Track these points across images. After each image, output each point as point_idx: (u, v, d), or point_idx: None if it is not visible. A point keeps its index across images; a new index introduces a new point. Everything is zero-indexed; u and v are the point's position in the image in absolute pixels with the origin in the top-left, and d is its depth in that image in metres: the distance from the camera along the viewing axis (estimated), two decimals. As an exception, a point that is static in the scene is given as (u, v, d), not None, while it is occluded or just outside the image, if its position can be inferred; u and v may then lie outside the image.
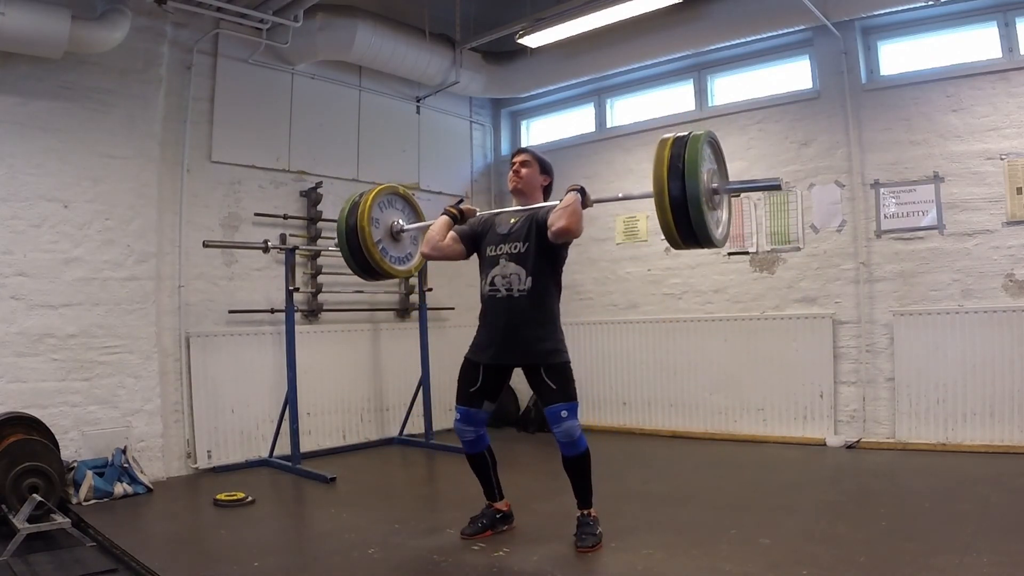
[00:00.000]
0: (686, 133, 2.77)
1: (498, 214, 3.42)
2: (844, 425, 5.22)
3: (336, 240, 3.69)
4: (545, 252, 3.18)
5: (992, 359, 4.67)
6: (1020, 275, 4.68)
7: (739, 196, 5.17)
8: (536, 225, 3.19)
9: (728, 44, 5.56)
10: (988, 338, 4.69)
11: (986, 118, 4.81)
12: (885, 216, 5.17)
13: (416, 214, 3.82)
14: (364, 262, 3.57)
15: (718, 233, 2.85)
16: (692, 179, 2.64)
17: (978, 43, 4.95)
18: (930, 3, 4.69)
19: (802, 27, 5.22)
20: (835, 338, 5.28)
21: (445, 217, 3.38)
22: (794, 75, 5.74)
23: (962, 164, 4.88)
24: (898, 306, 5.06)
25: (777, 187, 2.97)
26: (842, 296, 5.30)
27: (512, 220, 3.30)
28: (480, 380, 3.26)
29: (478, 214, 3.45)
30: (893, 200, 5.14)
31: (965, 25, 5.01)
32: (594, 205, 3.15)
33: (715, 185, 2.85)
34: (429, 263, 5.94)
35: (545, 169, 3.44)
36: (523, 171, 3.36)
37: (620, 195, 3.44)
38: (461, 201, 3.61)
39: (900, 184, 5.11)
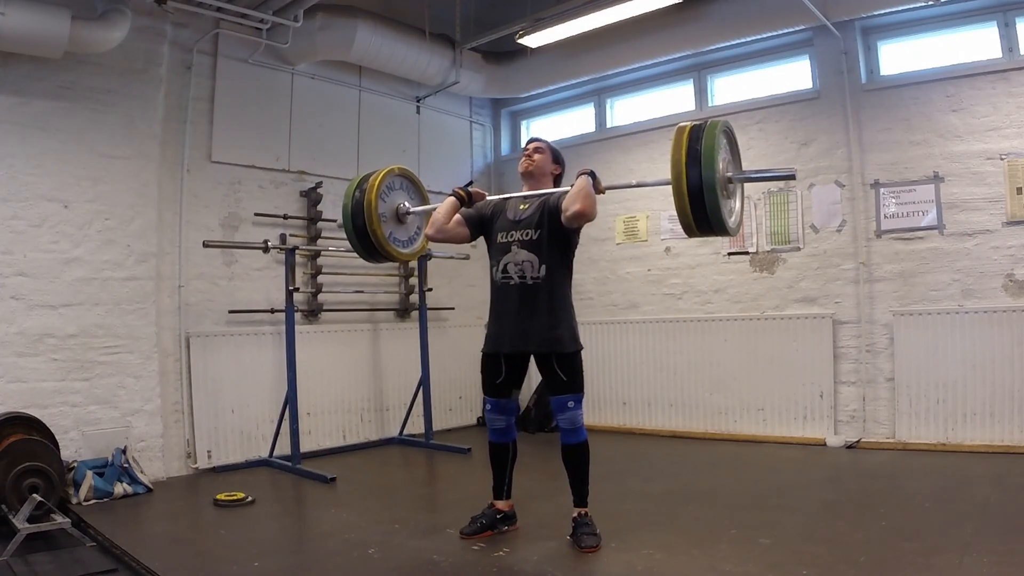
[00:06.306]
0: (703, 121, 2.79)
1: (507, 199, 3.41)
2: (844, 425, 5.22)
3: (341, 221, 3.56)
4: (558, 239, 3.18)
5: (992, 359, 4.67)
6: (1020, 275, 4.68)
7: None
8: (548, 211, 3.18)
9: (728, 44, 5.55)
10: (988, 338, 4.69)
11: (986, 118, 4.81)
12: (885, 216, 5.16)
13: (421, 196, 3.74)
14: (368, 243, 3.51)
15: (731, 221, 2.88)
16: (709, 166, 2.67)
17: (978, 43, 4.94)
18: (930, 3, 4.69)
19: (802, 27, 5.22)
20: (835, 338, 5.28)
21: (452, 199, 3.37)
22: (794, 75, 5.73)
23: (962, 164, 4.88)
24: (898, 306, 5.06)
25: (792, 177, 2.99)
26: (842, 296, 5.30)
27: (522, 206, 3.29)
28: (504, 371, 3.29)
29: (487, 198, 3.44)
30: (893, 200, 5.13)
31: (965, 25, 5.01)
32: (606, 192, 3.15)
33: (730, 174, 2.87)
34: (429, 263, 6.03)
35: (557, 159, 3.46)
36: (536, 156, 3.38)
37: (634, 182, 3.43)
38: (471, 183, 3.58)
39: (900, 184, 5.11)
